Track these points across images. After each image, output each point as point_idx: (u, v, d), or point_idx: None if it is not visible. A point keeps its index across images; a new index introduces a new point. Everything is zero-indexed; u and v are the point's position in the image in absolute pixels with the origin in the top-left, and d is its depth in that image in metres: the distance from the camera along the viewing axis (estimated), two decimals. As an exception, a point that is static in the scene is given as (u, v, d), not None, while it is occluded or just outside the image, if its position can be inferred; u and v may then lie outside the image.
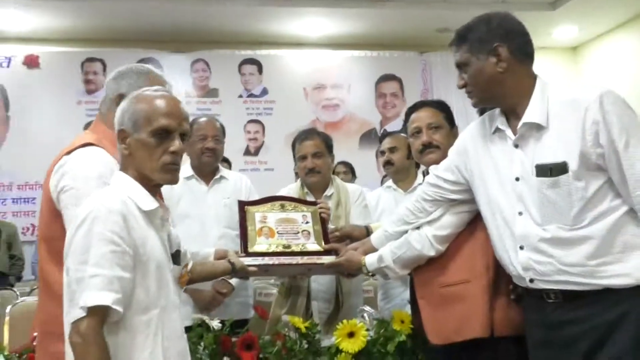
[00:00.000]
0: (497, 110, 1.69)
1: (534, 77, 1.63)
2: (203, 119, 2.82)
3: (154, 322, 1.35)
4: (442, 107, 2.12)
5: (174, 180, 1.49)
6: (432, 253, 1.84)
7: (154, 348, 1.34)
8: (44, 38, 5.61)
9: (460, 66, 1.67)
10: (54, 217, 1.61)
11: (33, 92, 5.54)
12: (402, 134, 3.06)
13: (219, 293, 2.49)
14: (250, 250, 2.06)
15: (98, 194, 1.41)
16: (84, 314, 1.24)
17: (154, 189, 1.47)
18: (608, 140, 1.45)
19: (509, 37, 1.60)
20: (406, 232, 1.92)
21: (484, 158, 1.71)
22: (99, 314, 1.25)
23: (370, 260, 1.97)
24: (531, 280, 1.57)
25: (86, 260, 1.27)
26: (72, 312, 1.27)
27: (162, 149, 1.43)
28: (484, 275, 1.76)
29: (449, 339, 1.77)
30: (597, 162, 1.47)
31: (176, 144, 1.44)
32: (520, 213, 1.59)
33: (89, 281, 1.26)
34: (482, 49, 1.60)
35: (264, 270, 2.10)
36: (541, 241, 1.53)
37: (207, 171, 2.79)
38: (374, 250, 2.00)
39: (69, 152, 1.66)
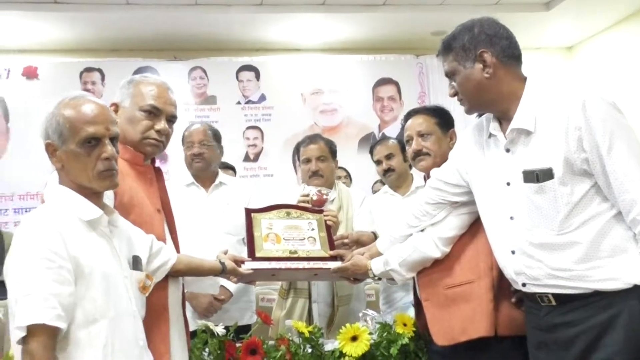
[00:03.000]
0: (492, 115, 1.70)
1: (523, 80, 1.63)
2: (192, 127, 2.84)
3: (103, 334, 1.33)
4: (436, 113, 2.13)
5: (112, 185, 1.47)
6: (437, 255, 1.85)
7: (104, 359, 1.32)
8: (42, 49, 5.61)
9: (449, 75, 1.68)
10: None
11: (33, 103, 5.50)
12: (392, 140, 3.08)
13: (216, 299, 2.50)
14: (257, 255, 2.08)
15: (35, 211, 1.39)
16: (24, 334, 1.21)
17: (96, 197, 1.45)
18: (591, 145, 1.44)
19: (492, 42, 1.61)
20: (411, 235, 1.93)
21: (480, 162, 1.73)
22: (44, 332, 1.22)
23: (376, 264, 1.98)
24: (524, 285, 1.59)
25: (20, 280, 1.25)
26: (14, 334, 1.24)
27: (94, 156, 1.40)
28: (488, 275, 1.77)
29: (455, 339, 1.78)
30: (583, 167, 1.46)
31: (108, 149, 1.42)
32: (511, 218, 1.60)
33: (23, 300, 1.23)
34: (467, 57, 1.62)
35: (271, 274, 2.11)
36: (530, 246, 1.54)
37: (204, 177, 2.81)
38: (380, 254, 2.02)
39: None
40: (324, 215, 2.30)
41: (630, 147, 1.44)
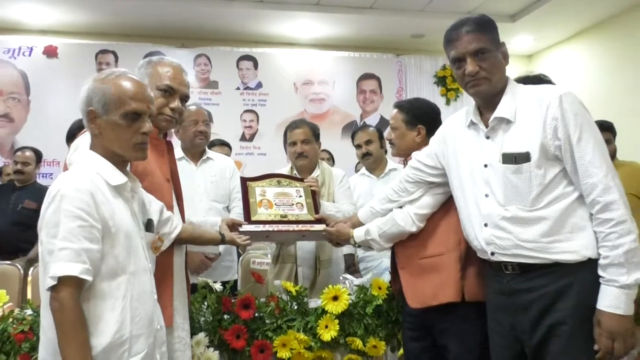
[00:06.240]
0: (472, 106, 1.70)
1: (507, 77, 1.64)
2: (192, 107, 2.79)
3: (123, 286, 1.33)
4: (405, 109, 2.07)
5: (143, 157, 1.46)
6: (413, 229, 1.86)
7: (123, 308, 1.32)
8: (62, 31, 5.46)
9: (479, 53, 1.56)
10: None
11: (51, 79, 5.40)
12: (372, 128, 3.07)
13: (208, 258, 2.49)
14: (252, 219, 2.08)
15: (68, 172, 1.36)
16: (54, 283, 1.21)
17: (122, 164, 1.43)
18: (564, 134, 1.47)
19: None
20: (390, 209, 1.94)
21: (459, 147, 1.73)
22: (72, 283, 1.23)
23: (358, 233, 1.99)
24: (492, 254, 1.60)
25: (56, 235, 1.24)
26: (45, 281, 1.24)
27: (133, 129, 1.38)
28: (456, 249, 1.78)
29: (426, 303, 1.80)
30: (555, 153, 1.49)
31: (147, 125, 1.41)
32: (486, 195, 1.61)
33: (58, 254, 1.23)
34: (497, 43, 1.59)
35: (265, 235, 2.12)
36: (502, 219, 1.56)
37: (196, 152, 2.80)
38: (361, 224, 2.03)
39: (84, 131, 1.65)
40: (308, 184, 2.30)
41: (595, 140, 1.47)
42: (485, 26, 1.58)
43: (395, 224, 1.88)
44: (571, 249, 1.47)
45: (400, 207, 1.91)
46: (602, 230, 1.43)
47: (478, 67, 1.56)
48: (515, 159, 1.52)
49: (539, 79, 1.75)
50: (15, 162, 4.05)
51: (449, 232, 1.82)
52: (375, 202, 2.02)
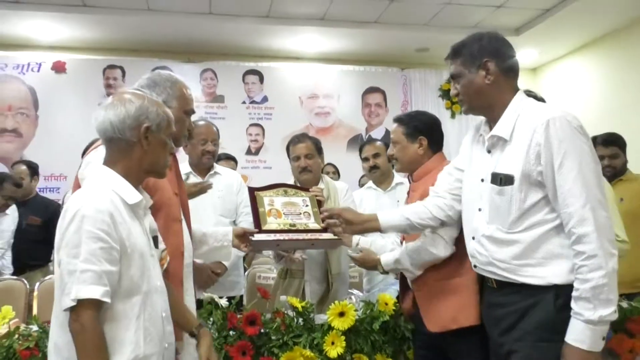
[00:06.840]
0: (484, 118, 1.69)
1: (515, 92, 1.61)
2: (202, 123, 2.80)
3: (137, 306, 1.33)
4: (405, 122, 2.04)
5: (165, 176, 1.55)
6: (447, 254, 1.81)
7: (137, 328, 1.31)
8: (70, 46, 5.53)
9: (454, 77, 1.65)
10: None
11: (60, 95, 5.47)
12: (379, 141, 3.06)
13: (214, 273, 2.48)
14: (263, 228, 2.09)
15: (86, 190, 1.36)
16: (73, 304, 1.21)
17: (138, 182, 1.45)
18: (547, 161, 1.44)
19: (498, 54, 1.59)
20: (427, 226, 1.80)
21: (470, 157, 1.72)
22: (93, 305, 1.23)
23: (386, 260, 1.95)
24: (474, 266, 1.63)
25: (77, 255, 1.24)
26: (63, 301, 1.24)
27: (169, 150, 1.48)
28: (473, 269, 1.75)
29: (446, 327, 1.76)
30: (538, 179, 1.47)
31: (173, 147, 1.53)
32: (479, 209, 1.62)
33: (80, 275, 1.22)
34: (473, 63, 1.59)
35: (275, 244, 2.13)
36: (484, 236, 1.58)
37: (203, 168, 2.80)
38: (377, 228, 1.84)
39: (97, 146, 1.65)
40: (313, 194, 2.29)
41: (580, 169, 1.42)
42: (457, 52, 1.64)
43: (427, 252, 1.81)
44: (539, 274, 1.47)
45: (432, 230, 1.82)
46: (576, 262, 1.42)
47: (456, 90, 1.65)
48: (500, 180, 1.53)
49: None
50: None
51: (464, 252, 1.73)
52: (410, 213, 1.81)
